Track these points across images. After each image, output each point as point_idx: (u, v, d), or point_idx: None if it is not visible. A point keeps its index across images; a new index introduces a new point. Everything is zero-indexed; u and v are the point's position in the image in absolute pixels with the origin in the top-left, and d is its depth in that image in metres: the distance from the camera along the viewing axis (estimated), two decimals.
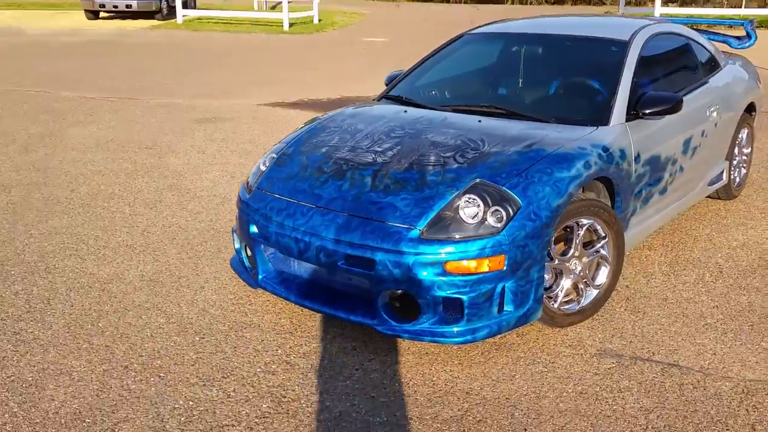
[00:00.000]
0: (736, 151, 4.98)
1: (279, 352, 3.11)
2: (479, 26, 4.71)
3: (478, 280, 2.85)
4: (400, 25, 23.04)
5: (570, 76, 4.10)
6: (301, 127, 3.90)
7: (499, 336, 3.17)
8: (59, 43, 15.64)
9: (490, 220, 2.89)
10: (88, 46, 14.98)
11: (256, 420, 2.64)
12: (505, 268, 2.88)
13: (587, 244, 3.35)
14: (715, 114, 4.39)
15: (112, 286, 3.73)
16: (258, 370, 2.97)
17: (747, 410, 2.71)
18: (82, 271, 3.92)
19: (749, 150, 5.26)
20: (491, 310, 2.91)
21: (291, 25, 20.53)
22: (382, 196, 3.06)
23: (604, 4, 37.75)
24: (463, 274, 2.83)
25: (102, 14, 21.93)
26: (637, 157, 3.55)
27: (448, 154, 3.25)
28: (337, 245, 2.97)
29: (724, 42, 5.44)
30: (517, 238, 2.88)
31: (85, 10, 21.66)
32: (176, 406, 2.73)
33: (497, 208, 2.91)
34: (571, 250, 3.25)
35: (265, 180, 3.44)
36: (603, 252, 3.37)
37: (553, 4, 44.60)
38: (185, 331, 3.27)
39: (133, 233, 4.47)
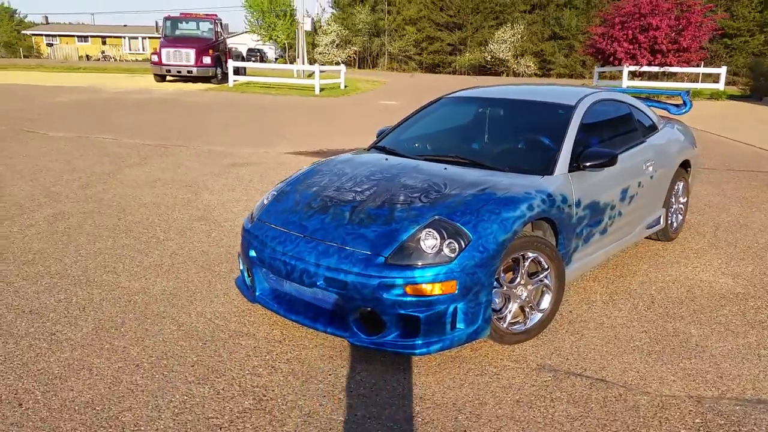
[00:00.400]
0: (672, 200, 4.93)
1: (267, 357, 3.07)
2: (456, 91, 4.73)
3: (433, 301, 2.81)
4: (412, 91, 23.31)
5: (524, 133, 4.10)
6: (300, 170, 3.92)
7: (453, 349, 3.11)
8: (130, 99, 15.97)
9: (446, 250, 2.87)
10: (152, 103, 15.28)
11: (238, 414, 2.60)
12: (456, 291, 2.84)
13: (533, 274, 3.30)
14: (651, 168, 4.35)
15: (137, 298, 3.72)
16: (246, 372, 2.93)
17: (659, 422, 2.62)
18: (116, 284, 3.92)
19: (685, 199, 5.19)
20: (444, 327, 2.87)
21: (321, 90, 20.83)
22: (356, 228, 3.05)
23: (583, 77, 37.99)
24: (420, 296, 2.79)
25: (168, 78, 22.42)
26: (578, 202, 3.52)
27: (414, 195, 3.24)
28: (317, 268, 2.95)
29: (664, 109, 5.42)
30: (467, 267, 2.85)
31: (154, 74, 22.17)
32: (173, 399, 2.69)
33: (452, 240, 2.89)
34: (518, 279, 3.20)
35: (265, 213, 3.45)
36: (546, 281, 3.32)
37: (541, 77, 45.03)
38: (191, 337, 3.25)
39: (163, 255, 4.48)
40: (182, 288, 3.89)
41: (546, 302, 3.35)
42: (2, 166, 7.31)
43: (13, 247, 4.53)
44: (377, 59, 53.07)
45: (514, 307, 3.23)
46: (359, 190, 3.39)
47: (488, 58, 48.00)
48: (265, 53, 58.24)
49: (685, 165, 5.10)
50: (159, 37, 22.65)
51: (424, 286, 2.79)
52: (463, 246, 2.88)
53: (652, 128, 4.70)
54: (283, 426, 2.53)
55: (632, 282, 4.18)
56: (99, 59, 54.37)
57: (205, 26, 22.83)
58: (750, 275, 4.36)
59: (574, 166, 3.61)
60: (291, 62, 44.44)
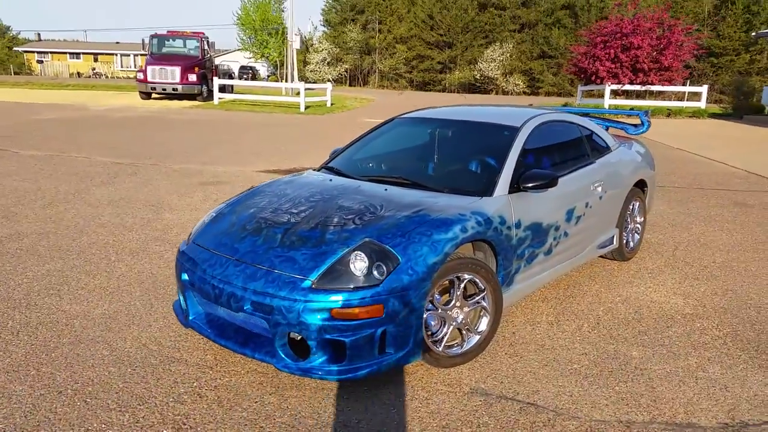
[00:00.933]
0: (628, 219, 4.92)
1: (194, 384, 3.01)
2: (409, 111, 4.73)
3: (359, 325, 2.76)
4: (398, 108, 23.26)
5: (468, 155, 4.08)
6: (244, 191, 3.89)
7: (389, 373, 3.06)
8: (112, 117, 15.95)
9: (375, 273, 2.83)
10: (134, 121, 15.26)
11: None
12: (383, 315, 2.80)
13: (470, 296, 3.27)
14: (599, 189, 4.35)
15: (75, 322, 3.66)
16: (170, 399, 2.86)
17: None
18: (57, 308, 3.86)
19: (642, 219, 5.18)
20: (372, 351, 2.82)
21: (307, 107, 20.88)
22: (286, 250, 3.01)
23: (571, 95, 38.25)
24: (346, 320, 2.75)
25: (153, 95, 22.44)
26: (518, 224, 3.50)
27: (349, 217, 3.21)
28: (244, 292, 2.91)
29: (622, 129, 5.44)
30: (395, 290, 2.81)
31: (140, 92, 22.19)
32: (90, 428, 2.63)
33: (380, 263, 2.86)
34: (453, 301, 3.17)
35: (200, 234, 3.41)
36: (483, 303, 3.29)
37: (529, 95, 45.35)
38: (122, 362, 3.19)
39: (111, 277, 4.42)
40: (123, 311, 3.83)
41: (484, 324, 3.32)
42: None
43: None
44: (368, 77, 53.34)
45: (449, 329, 3.19)
46: (296, 211, 3.36)
47: (477, 77, 48.33)
48: (257, 70, 58.42)
49: (641, 185, 5.10)
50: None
51: (349, 310, 2.75)
52: (392, 269, 2.85)
53: (604, 149, 4.70)
54: None
55: (581, 302, 4.15)
56: (90, 76, 54.43)
57: (192, 44, 22.93)
58: (701, 295, 4.33)
59: (515, 187, 3.59)
60: (283, 80, 44.63)
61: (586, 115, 5.61)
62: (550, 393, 2.99)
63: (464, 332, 3.25)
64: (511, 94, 46.96)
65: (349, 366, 2.79)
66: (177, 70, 21.15)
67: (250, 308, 2.88)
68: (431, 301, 3.09)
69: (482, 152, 4.00)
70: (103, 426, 2.64)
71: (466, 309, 3.23)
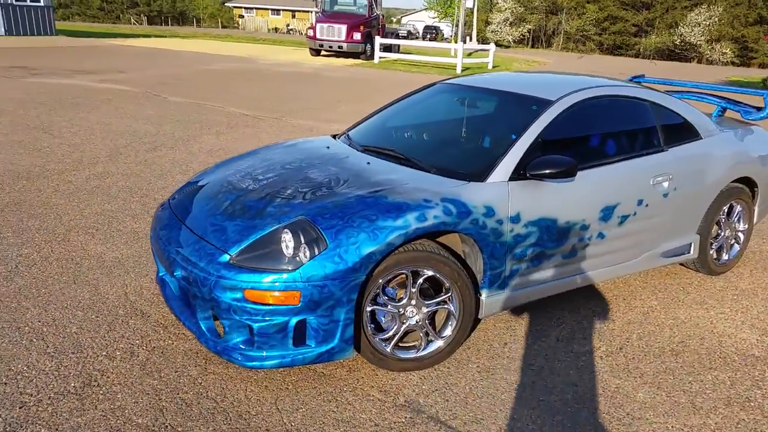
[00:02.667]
0: (721, 225, 3.99)
1: (137, 342, 2.98)
2: (456, 77, 4.21)
3: (270, 311, 2.51)
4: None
5: (483, 131, 3.53)
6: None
7: (328, 367, 2.78)
8: (274, 71, 16.80)
9: (300, 256, 2.54)
10: (291, 76, 15.91)
11: (52, 395, 2.54)
12: (300, 304, 2.50)
13: (434, 295, 2.83)
14: (666, 185, 3.52)
15: (86, 262, 3.83)
16: (103, 353, 2.86)
17: None
18: (82, 247, 4.08)
19: (745, 227, 4.17)
20: (285, 341, 2.55)
21: (465, 69, 20.27)
22: (223, 219, 2.82)
23: None
24: (257, 303, 2.51)
25: (323, 53, 23.27)
26: (516, 217, 2.94)
27: (304, 190, 2.92)
28: (176, 256, 2.78)
29: (738, 111, 4.38)
30: (315, 278, 2.49)
31: (309, 48, 23.13)
32: (14, 368, 2.71)
33: (306, 246, 2.55)
34: (406, 298, 2.76)
35: (177, 194, 3.34)
36: (450, 306, 2.84)
37: (739, 65, 39.66)
38: (92, 308, 3.26)
39: (149, 223, 4.58)
40: (133, 258, 3.94)
41: (449, 329, 2.87)
42: (100, 125, 8.02)
43: (33, 200, 4.91)
44: (552, 39, 50.47)
45: (401, 329, 2.80)
46: (261, 178, 3.14)
47: (677, 42, 43.37)
48: (441, 30, 58.19)
49: (750, 184, 4.09)
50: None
51: (260, 292, 2.50)
52: (316, 253, 2.53)
53: (689, 136, 3.80)
54: (82, 415, 2.42)
55: (617, 319, 3.45)
56: (284, 32, 58.16)
57: (361, 2, 23.23)
58: None
59: (520, 174, 3.01)
60: (462, 40, 43.87)
61: (692, 91, 4.63)
62: (493, 426, 2.50)
63: (423, 335, 2.84)
64: (716, 63, 41.51)
65: (257, 353, 2.56)
66: (343, 28, 21.61)
67: (179, 274, 2.75)
68: (377, 296, 2.72)
69: (500, 129, 3.43)
70: (25, 368, 2.71)
71: (425, 309, 2.81)
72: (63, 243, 4.10)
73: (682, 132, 3.77)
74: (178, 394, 2.60)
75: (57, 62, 15.35)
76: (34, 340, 2.93)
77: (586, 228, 3.22)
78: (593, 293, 3.78)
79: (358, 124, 4.03)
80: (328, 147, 3.58)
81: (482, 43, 24.71)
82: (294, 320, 2.52)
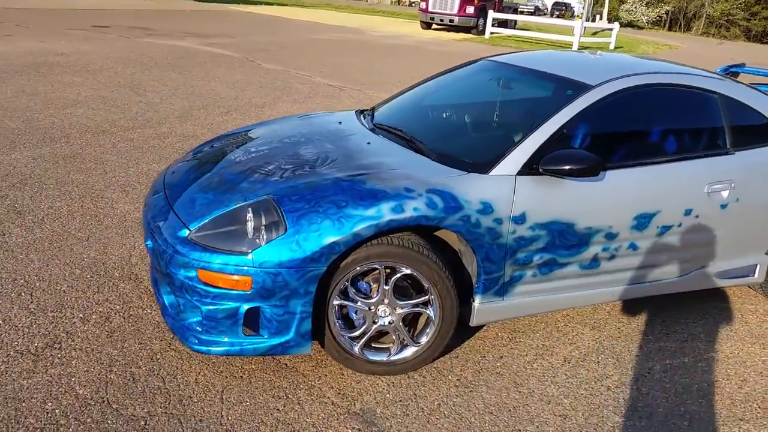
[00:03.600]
0: None
1: (116, 308, 2.94)
2: (505, 53, 3.79)
3: (219, 295, 2.34)
4: (700, 60, 19.85)
5: (506, 115, 3.12)
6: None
7: (289, 361, 2.59)
8: (378, 44, 16.65)
9: (258, 239, 2.34)
10: (393, 48, 15.69)
11: (14, 351, 2.54)
12: (251, 290, 2.32)
13: (412, 295, 2.55)
14: (725, 194, 2.96)
15: (107, 221, 3.88)
16: (80, 317, 2.84)
17: None
18: (109, 204, 4.14)
19: None
20: (234, 329, 2.38)
21: (584, 48, 19.03)
22: (197, 190, 2.68)
23: None
24: (208, 285, 2.35)
25: (434, 26, 22.80)
26: (521, 217, 2.56)
27: (287, 167, 2.71)
28: (150, 225, 2.68)
29: None
30: (268, 264, 2.29)
31: (421, 21, 22.74)
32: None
33: (265, 229, 2.34)
34: (378, 296, 2.50)
35: (177, 162, 3.24)
36: (429, 311, 2.54)
37: None
38: (92, 268, 3.27)
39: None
40: None
41: (426, 335, 2.58)
42: (185, 86, 8.24)
43: (89, 154, 5.08)
44: (692, 22, 46.44)
45: (371, 329, 2.54)
46: (253, 150, 2.97)
47: None
48: (572, 8, 55.42)
49: None
50: None
51: (210, 273, 2.33)
52: (273, 237, 2.32)
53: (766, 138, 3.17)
54: (29, 378, 2.40)
55: (644, 345, 2.98)
56: (406, 4, 57.82)
57: None
58: None
59: (533, 168, 2.62)
60: (590, 18, 41.40)
61: None
62: None
63: (397, 338, 2.57)
64: None
65: (205, 337, 2.40)
66: (456, 1, 20.99)
67: (149, 245, 2.65)
68: (345, 290, 2.47)
69: (525, 114, 3.02)
70: (1, 322, 2.74)
71: (400, 310, 2.53)
72: (96, 199, 4.18)
73: (761, 133, 3.15)
74: (131, 367, 2.51)
75: (176, 25, 16.09)
76: (23, 294, 2.97)
77: (613, 237, 2.77)
78: (626, 310, 3.30)
79: (390, 99, 3.74)
80: (339, 122, 3.33)
81: (613, 23, 22.99)
82: (245, 307, 2.34)
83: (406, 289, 2.58)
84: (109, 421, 2.20)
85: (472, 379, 2.62)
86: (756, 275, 3.26)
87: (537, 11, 51.21)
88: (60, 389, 2.34)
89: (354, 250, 2.39)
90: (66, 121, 6.02)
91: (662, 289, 3.08)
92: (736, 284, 3.26)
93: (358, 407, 2.39)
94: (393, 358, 2.58)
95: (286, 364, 2.62)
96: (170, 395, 2.37)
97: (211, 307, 2.35)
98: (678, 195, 2.87)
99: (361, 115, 3.50)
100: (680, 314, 3.31)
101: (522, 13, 48.63)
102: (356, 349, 2.55)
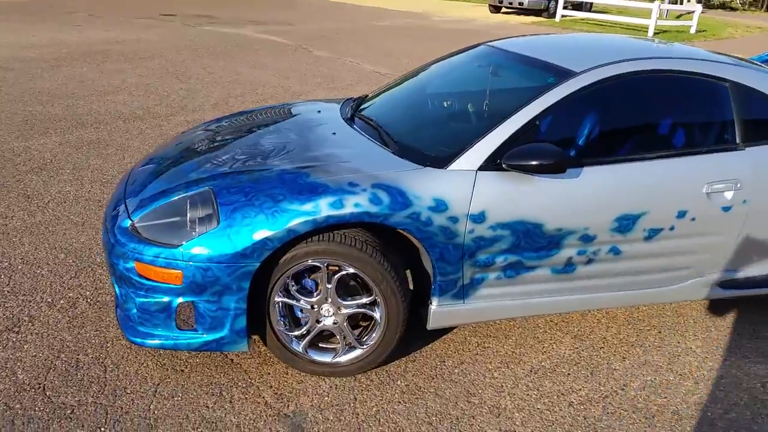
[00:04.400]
0: None
1: (87, 294, 2.98)
2: (509, 38, 3.54)
3: (152, 287, 2.30)
4: None
5: (485, 106, 2.90)
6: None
7: (233, 358, 2.54)
8: (439, 29, 16.33)
9: (192, 232, 2.28)
10: (455, 34, 15.34)
11: None
12: (182, 284, 2.27)
13: (360, 295, 2.43)
14: (728, 195, 2.64)
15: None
16: (47, 300, 2.90)
17: None
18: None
19: None
20: (168, 323, 2.34)
21: (658, 33, 17.98)
22: (152, 179, 2.65)
23: None
24: (142, 277, 2.32)
25: (503, 9, 22.14)
26: (479, 216, 2.37)
27: (241, 157, 2.64)
28: (105, 217, 2.68)
29: None
30: (198, 258, 2.23)
31: (489, 5, 22.15)
32: None
33: (200, 222, 2.29)
34: (320, 294, 2.39)
35: (157, 149, 3.24)
36: (376, 313, 2.42)
37: None
38: (78, 252, 3.34)
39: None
40: None
41: (373, 338, 2.45)
42: (230, 73, 8.36)
43: (114, 140, 5.22)
44: None
45: (315, 327, 2.44)
46: (219, 138, 2.94)
47: None
48: None
49: None
50: None
51: (144, 265, 2.30)
52: (204, 231, 2.26)
53: None
54: None
55: (628, 358, 2.72)
56: None
57: None
58: None
59: (497, 163, 2.42)
60: (680, 1, 39.02)
61: None
62: None
63: (342, 339, 2.46)
64: None
65: (141, 329, 2.38)
66: None
67: (103, 233, 2.65)
68: (286, 288, 2.38)
69: (503, 104, 2.80)
70: None
71: (344, 310, 2.42)
72: (105, 185, 4.28)
73: None
74: (78, 354, 2.53)
75: (240, 13, 16.40)
76: (2, 276, 3.07)
77: (590, 239, 2.53)
78: (616, 318, 3.03)
79: (386, 86, 3.59)
80: (319, 111, 3.23)
81: (701, 4, 21.54)
82: (177, 301, 2.29)
83: (355, 288, 2.46)
84: (36, 408, 2.21)
85: (423, 386, 2.47)
86: None
87: None
88: (3, 373, 2.39)
89: (294, 246, 2.30)
90: (103, 108, 6.22)
91: (654, 299, 2.80)
92: (750, 295, 2.92)
93: (290, 409, 2.31)
94: (338, 359, 2.47)
95: (232, 360, 2.57)
96: (106, 385, 2.37)
97: (144, 300, 2.32)
98: (669, 195, 2.58)
99: (348, 104, 3.38)
100: (680, 325, 3.01)
101: None
102: (300, 348, 2.46)
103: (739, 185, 2.65)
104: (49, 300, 2.89)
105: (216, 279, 2.24)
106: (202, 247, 2.23)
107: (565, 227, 2.48)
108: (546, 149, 2.34)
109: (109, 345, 2.60)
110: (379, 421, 2.27)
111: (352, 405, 2.34)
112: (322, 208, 2.23)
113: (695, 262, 2.75)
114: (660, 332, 2.94)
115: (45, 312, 2.79)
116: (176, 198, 2.40)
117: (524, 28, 17.94)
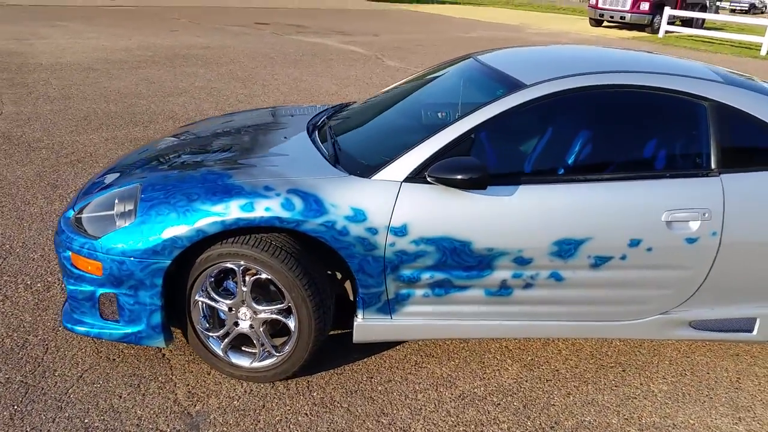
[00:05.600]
0: None
1: (57, 274, 3.16)
2: (493, 50, 3.39)
3: (80, 276, 2.41)
4: None
5: (431, 118, 2.78)
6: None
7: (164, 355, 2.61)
8: (530, 41, 15.96)
9: (113, 226, 2.37)
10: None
11: None
12: (102, 276, 2.36)
13: (275, 301, 2.42)
14: (693, 225, 2.37)
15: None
16: (26, 283, 3.10)
17: None
18: None
19: None
20: (93, 312, 2.44)
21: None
22: (110, 173, 2.78)
23: None
24: (72, 265, 2.43)
25: (604, 23, 21.27)
26: (401, 229, 2.29)
27: (184, 157, 2.73)
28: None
29: None
30: (114, 251, 2.31)
31: (589, 18, 21.33)
32: None
33: (122, 216, 2.37)
34: (237, 297, 2.41)
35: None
36: (290, 319, 2.39)
37: None
38: None
39: None
40: None
41: (288, 346, 2.43)
42: (294, 80, 8.61)
43: (152, 138, 5.51)
44: None
45: (233, 330, 2.46)
46: (183, 137, 3.09)
47: None
48: (765, 5, 48.96)
49: None
50: None
51: (75, 255, 2.41)
52: (123, 225, 2.33)
53: None
54: None
55: (573, 395, 2.51)
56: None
57: None
58: None
59: (424, 176, 2.33)
60: None
61: None
62: None
63: (259, 345, 2.46)
64: None
65: (75, 316, 2.49)
66: None
67: None
68: (207, 289, 2.42)
69: (447, 116, 2.68)
70: None
71: (261, 315, 2.41)
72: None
73: (760, 150, 2.48)
74: (29, 335, 2.69)
75: (331, 23, 16.86)
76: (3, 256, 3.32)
77: (525, 262, 2.37)
78: (580, 349, 2.80)
79: (372, 97, 3.56)
80: (292, 115, 3.27)
81: None
82: (99, 291, 2.38)
83: (276, 294, 2.44)
84: None
85: (338, 400, 2.40)
86: (755, 332, 2.58)
87: (753, 9, 45.51)
88: None
89: (210, 247, 2.32)
90: (160, 108, 6.60)
91: (609, 333, 2.57)
92: (728, 339, 2.60)
93: (196, 409, 2.32)
94: (255, 365, 2.46)
95: (164, 355, 2.63)
96: (39, 365, 2.50)
97: (73, 287, 2.43)
98: (619, 221, 2.36)
99: (329, 111, 3.38)
100: (650, 366, 2.73)
101: (734, 11, 43.49)
102: (219, 349, 2.47)
103: (707, 215, 2.38)
104: (28, 282, 3.10)
105: (131, 273, 2.31)
106: (118, 241, 2.30)
107: (496, 247, 2.34)
108: (468, 163, 2.22)
109: (60, 329, 2.74)
110: (277, 431, 2.23)
111: (257, 412, 2.32)
112: (233, 210, 2.24)
113: (657, 297, 2.49)
114: (624, 370, 2.69)
115: (20, 293, 3.00)
116: (109, 192, 2.51)
117: (619, 42, 17.11)
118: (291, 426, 2.26)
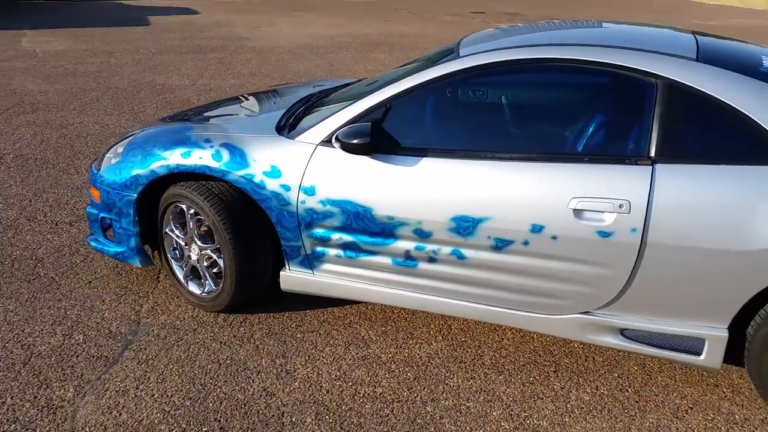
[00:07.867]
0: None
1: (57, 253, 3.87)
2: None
3: (92, 202, 3.01)
4: None
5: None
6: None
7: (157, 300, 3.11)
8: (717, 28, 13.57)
9: (112, 162, 2.91)
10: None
11: None
12: (100, 201, 2.92)
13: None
14: (607, 217, 2.08)
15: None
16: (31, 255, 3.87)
17: None
18: None
19: None
20: (100, 231, 3.02)
21: None
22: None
23: None
24: (90, 193, 3.04)
25: None
26: (310, 189, 2.44)
27: (190, 114, 3.14)
28: None
29: None
30: (104, 182, 2.85)
31: None
32: None
33: (116, 156, 2.90)
34: (187, 233, 2.78)
35: None
36: (220, 260, 2.70)
37: None
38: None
39: None
40: None
41: (221, 284, 2.74)
42: (383, 67, 8.67)
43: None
44: None
45: (188, 262, 2.85)
46: (219, 101, 3.46)
47: None
48: None
49: None
50: None
51: (91, 185, 3.01)
52: (112, 162, 2.86)
53: (754, 153, 2.00)
54: None
55: (464, 383, 2.39)
56: None
57: None
58: None
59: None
60: None
61: None
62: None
63: (204, 276, 2.81)
64: None
65: (93, 234, 3.10)
66: None
67: None
68: (170, 224, 2.84)
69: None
70: None
71: (204, 252, 2.76)
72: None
73: (735, 145, 2.03)
74: (60, 251, 3.39)
75: (551, 11, 16.20)
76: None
77: (425, 235, 2.32)
78: (534, 342, 2.59)
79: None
80: (314, 87, 3.52)
81: None
82: (101, 215, 2.95)
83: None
84: None
85: (256, 337, 2.63)
86: (703, 356, 2.15)
87: None
88: None
89: (170, 187, 2.72)
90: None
91: (526, 325, 2.36)
92: (675, 360, 2.20)
93: (147, 321, 2.75)
94: (202, 295, 2.81)
95: (159, 278, 3.11)
96: (71, 269, 3.16)
97: (89, 210, 3.04)
98: (519, 203, 2.16)
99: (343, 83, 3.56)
100: (591, 372, 2.42)
101: None
102: (182, 277, 2.87)
103: (623, 207, 2.05)
104: (19, 255, 3.38)
105: (113, 202, 2.82)
106: (108, 174, 2.83)
107: (396, 216, 2.33)
108: (358, 129, 2.27)
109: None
110: (189, 351, 2.55)
111: (186, 333, 2.66)
112: (176, 156, 2.61)
113: (573, 293, 2.22)
114: (555, 371, 2.44)
115: (6, 267, 3.47)
116: (118, 143, 3.05)
117: None
118: (201, 350, 2.55)
